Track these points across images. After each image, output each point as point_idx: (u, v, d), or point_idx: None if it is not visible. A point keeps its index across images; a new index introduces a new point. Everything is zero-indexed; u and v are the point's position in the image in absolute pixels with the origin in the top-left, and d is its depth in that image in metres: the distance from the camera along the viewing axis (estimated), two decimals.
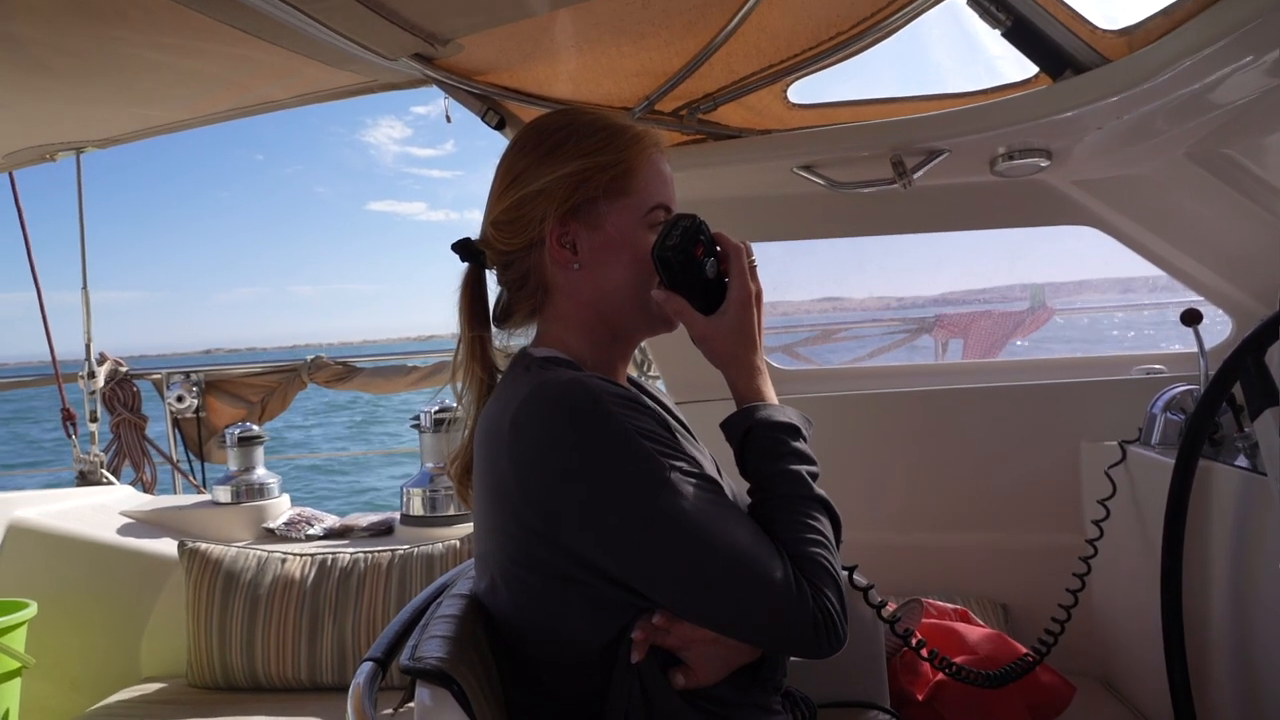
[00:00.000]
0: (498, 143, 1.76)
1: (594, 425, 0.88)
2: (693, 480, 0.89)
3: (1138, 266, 2.08)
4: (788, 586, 0.86)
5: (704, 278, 0.99)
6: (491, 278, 1.09)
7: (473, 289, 1.08)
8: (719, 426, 1.00)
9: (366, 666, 0.84)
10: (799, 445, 0.96)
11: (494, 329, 1.08)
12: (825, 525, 0.93)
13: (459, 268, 1.08)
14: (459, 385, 1.08)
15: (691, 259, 0.97)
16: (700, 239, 0.98)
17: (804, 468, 0.95)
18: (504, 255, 1.04)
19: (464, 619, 0.92)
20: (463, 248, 1.07)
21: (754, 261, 1.03)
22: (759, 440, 0.96)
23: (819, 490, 0.95)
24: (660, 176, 1.03)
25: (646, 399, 1.02)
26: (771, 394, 1.00)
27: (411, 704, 0.79)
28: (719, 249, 1.01)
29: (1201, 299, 2.04)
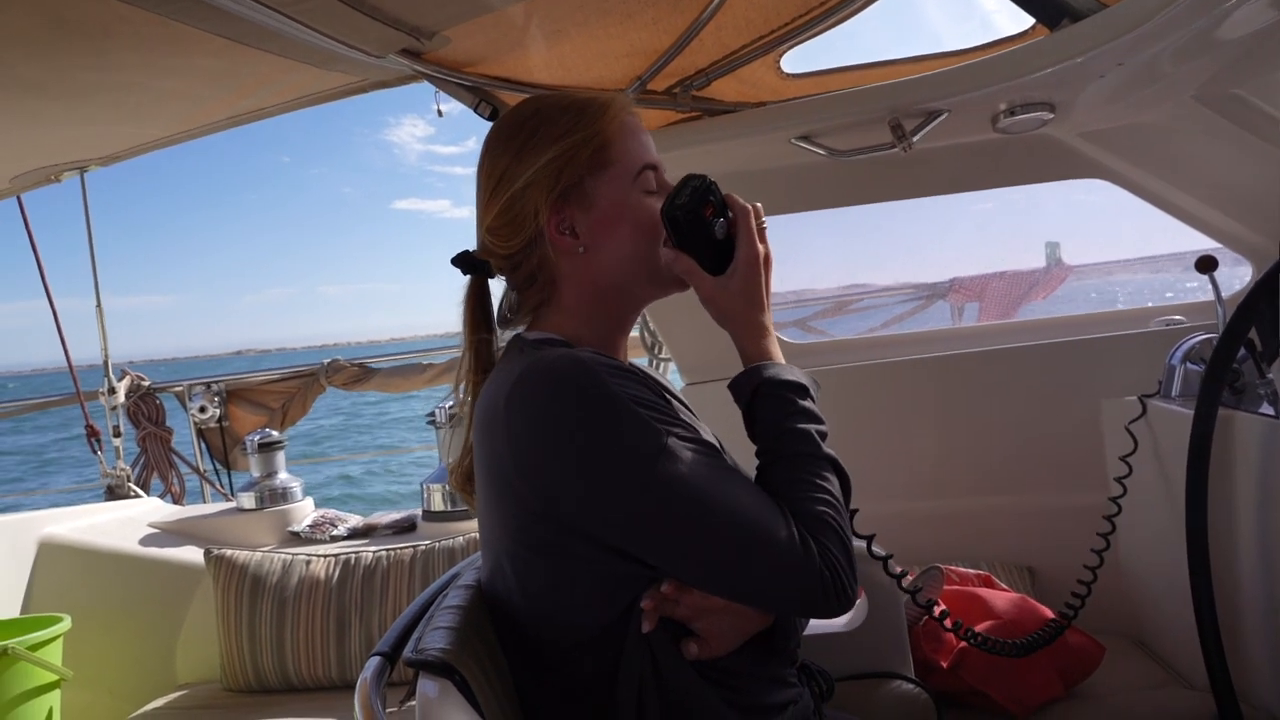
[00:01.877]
0: None
1: (588, 396, 0.87)
2: (690, 445, 0.88)
3: (1170, 242, 2.02)
4: (793, 545, 0.85)
5: (713, 238, 0.98)
6: (494, 283, 1.08)
7: (475, 300, 1.07)
8: (727, 388, 0.98)
9: (374, 661, 0.84)
10: (807, 404, 0.95)
11: (499, 330, 1.08)
12: (834, 484, 0.92)
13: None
14: (462, 388, 1.08)
15: (700, 219, 0.97)
16: (710, 199, 0.97)
17: (813, 426, 0.94)
18: (508, 259, 1.03)
19: (469, 608, 0.91)
20: (464, 261, 1.06)
21: (764, 224, 1.02)
22: (767, 398, 0.94)
23: (828, 449, 0.94)
24: (636, 137, 1.02)
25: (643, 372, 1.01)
26: (779, 354, 0.99)
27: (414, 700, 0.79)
28: (729, 210, 1.00)
29: (1219, 245, 1.99)
